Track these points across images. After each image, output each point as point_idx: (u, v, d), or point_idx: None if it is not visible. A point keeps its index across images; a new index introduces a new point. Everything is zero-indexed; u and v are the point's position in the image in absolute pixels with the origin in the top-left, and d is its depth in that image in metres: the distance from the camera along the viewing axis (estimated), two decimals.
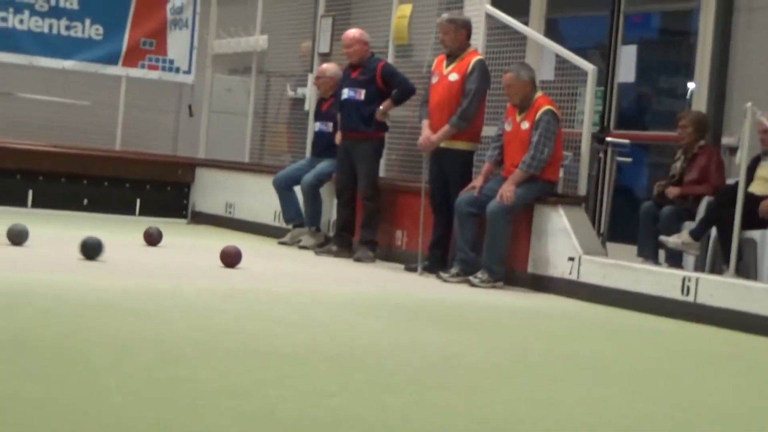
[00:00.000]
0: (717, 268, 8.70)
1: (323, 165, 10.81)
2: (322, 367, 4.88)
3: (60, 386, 3.91)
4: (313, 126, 11.48)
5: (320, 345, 5.54)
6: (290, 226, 11.10)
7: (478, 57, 9.39)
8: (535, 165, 8.63)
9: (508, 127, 9.03)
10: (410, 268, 9.54)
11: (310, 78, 11.96)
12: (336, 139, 10.52)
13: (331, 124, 10.82)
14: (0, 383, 3.84)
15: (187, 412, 3.78)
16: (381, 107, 10.08)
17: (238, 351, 5.08)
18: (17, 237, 8.63)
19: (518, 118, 8.83)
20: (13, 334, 4.98)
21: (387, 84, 10.13)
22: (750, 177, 8.72)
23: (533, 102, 8.83)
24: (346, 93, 10.30)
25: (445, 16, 9.58)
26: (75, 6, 13.24)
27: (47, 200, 12.66)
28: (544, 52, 10.27)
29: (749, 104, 8.61)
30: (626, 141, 10.29)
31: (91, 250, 8.28)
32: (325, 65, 11.28)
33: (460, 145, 9.31)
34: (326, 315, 6.81)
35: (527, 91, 8.84)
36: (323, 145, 10.98)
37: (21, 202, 12.52)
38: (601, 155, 9.92)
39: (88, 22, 13.35)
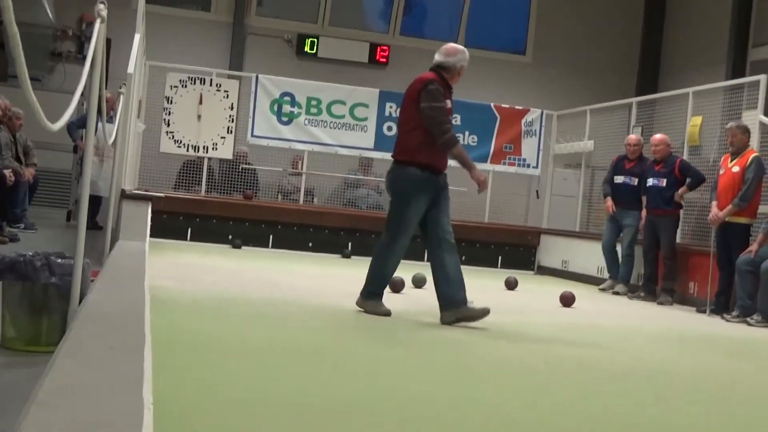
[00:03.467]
0: None
1: (628, 226, 10.64)
2: (639, 384, 4.70)
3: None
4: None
5: (635, 367, 5.34)
6: (609, 279, 10.95)
7: (755, 154, 9.06)
8: None
9: None
10: (701, 310, 9.24)
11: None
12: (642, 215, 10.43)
13: (636, 180, 10.51)
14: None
15: None
16: (678, 191, 9.94)
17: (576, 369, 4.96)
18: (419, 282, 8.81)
19: None
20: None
21: (683, 174, 9.99)
22: None
23: None
24: (651, 181, 10.17)
25: (733, 123, 9.31)
26: (458, 122, 13.29)
27: None
28: None
29: None
30: None
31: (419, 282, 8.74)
32: (634, 137, 11.00)
33: (741, 220, 8.98)
34: (641, 344, 6.56)
35: None
36: (627, 201, 10.67)
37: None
38: None
39: (467, 133, 13.52)
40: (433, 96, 6.14)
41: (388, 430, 3.12)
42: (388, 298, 6.66)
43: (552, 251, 13.22)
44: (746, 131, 9.18)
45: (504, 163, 13.72)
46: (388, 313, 6.28)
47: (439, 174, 6.35)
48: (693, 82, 11.97)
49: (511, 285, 9.92)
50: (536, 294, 9.84)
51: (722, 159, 9.45)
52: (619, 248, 10.75)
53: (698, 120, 10.85)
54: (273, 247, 12.52)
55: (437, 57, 6.40)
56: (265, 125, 13.06)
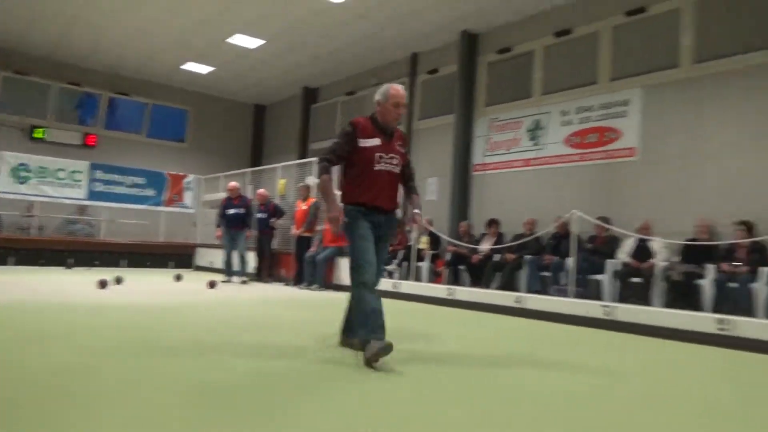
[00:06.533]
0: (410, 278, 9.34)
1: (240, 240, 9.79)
2: (247, 336, 4.27)
3: None
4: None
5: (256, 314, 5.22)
6: (227, 276, 9.75)
7: (315, 200, 9.58)
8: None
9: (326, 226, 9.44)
10: (287, 284, 9.70)
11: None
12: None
13: (242, 210, 9.77)
14: None
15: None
16: (272, 220, 10.08)
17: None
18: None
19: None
20: None
21: (276, 210, 10.19)
22: (418, 242, 9.54)
23: None
24: (258, 215, 10.11)
25: (308, 182, 9.84)
26: (143, 182, 13.07)
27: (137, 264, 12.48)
28: None
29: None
30: None
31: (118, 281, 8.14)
32: (233, 184, 10.06)
33: (307, 234, 9.52)
34: (258, 303, 6.36)
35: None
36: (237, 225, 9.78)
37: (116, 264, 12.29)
38: None
39: (149, 188, 13.20)
40: (338, 134, 3.76)
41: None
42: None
43: (202, 256, 13.12)
44: (310, 187, 10.14)
45: (173, 206, 13.57)
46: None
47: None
48: (281, 160, 12.86)
49: (179, 278, 9.75)
50: (195, 282, 9.62)
51: (297, 202, 10.13)
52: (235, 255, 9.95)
53: (283, 181, 11.67)
54: (16, 264, 11.26)
55: None
56: (6, 185, 11.75)
